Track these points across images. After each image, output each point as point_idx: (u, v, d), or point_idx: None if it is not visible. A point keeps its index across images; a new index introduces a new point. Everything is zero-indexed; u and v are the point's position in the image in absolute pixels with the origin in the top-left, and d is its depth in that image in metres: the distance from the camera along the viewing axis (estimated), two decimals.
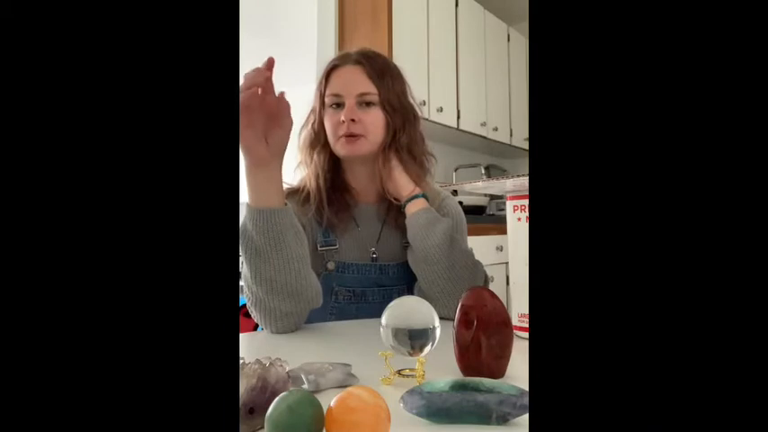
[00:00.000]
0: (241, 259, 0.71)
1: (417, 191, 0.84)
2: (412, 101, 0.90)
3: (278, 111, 0.66)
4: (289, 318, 0.71)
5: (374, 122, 0.83)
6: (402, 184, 0.84)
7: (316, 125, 0.88)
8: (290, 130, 0.69)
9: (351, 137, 0.82)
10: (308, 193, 0.87)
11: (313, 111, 0.89)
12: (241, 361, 0.38)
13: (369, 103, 0.84)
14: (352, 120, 0.81)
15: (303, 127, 0.91)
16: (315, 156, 0.87)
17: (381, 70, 0.85)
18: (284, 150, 0.69)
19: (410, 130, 0.87)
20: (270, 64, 0.64)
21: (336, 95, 0.84)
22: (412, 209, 0.82)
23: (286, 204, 0.71)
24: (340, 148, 0.84)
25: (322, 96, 0.86)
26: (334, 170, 0.89)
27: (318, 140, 0.88)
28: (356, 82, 0.84)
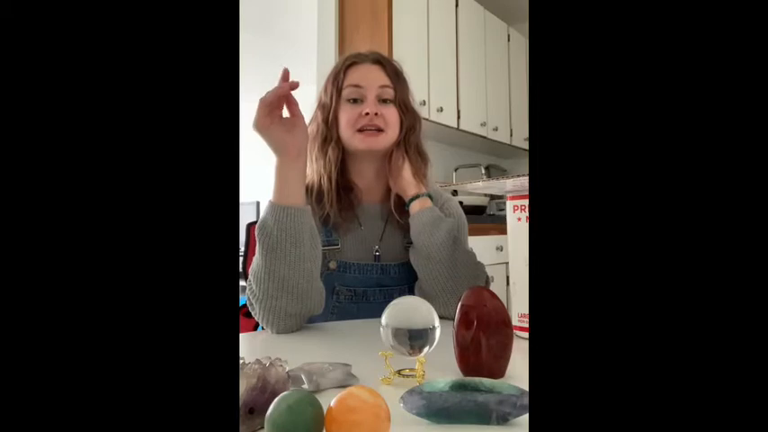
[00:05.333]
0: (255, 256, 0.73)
1: (423, 190, 0.85)
2: (415, 106, 0.92)
3: (292, 111, 0.72)
4: (292, 319, 0.72)
5: (393, 119, 0.85)
6: (409, 181, 0.85)
7: (329, 120, 0.86)
8: (306, 127, 0.74)
9: (371, 131, 0.83)
10: (316, 192, 0.87)
11: (322, 107, 0.88)
12: (241, 361, 0.38)
13: (386, 101, 0.85)
14: (375, 113, 0.83)
15: (309, 123, 0.90)
16: (329, 151, 0.86)
17: (396, 72, 0.88)
18: (306, 147, 0.74)
19: (418, 131, 0.90)
20: (286, 75, 0.70)
21: (357, 86, 0.85)
22: (417, 207, 0.83)
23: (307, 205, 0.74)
24: (358, 142, 0.84)
25: (339, 90, 0.86)
26: (339, 169, 0.88)
27: (331, 136, 0.86)
28: (377, 77, 0.86)
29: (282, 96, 0.69)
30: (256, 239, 0.72)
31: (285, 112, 0.72)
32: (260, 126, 0.69)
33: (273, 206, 0.71)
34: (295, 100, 0.72)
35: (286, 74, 0.70)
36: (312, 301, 0.73)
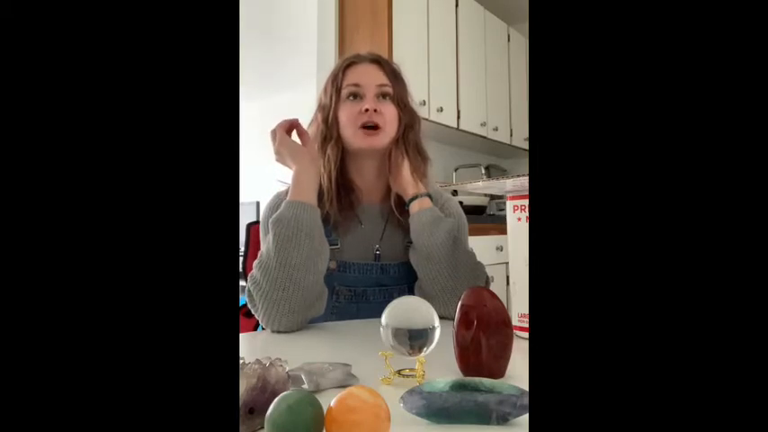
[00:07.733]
0: (263, 249, 0.78)
1: (423, 189, 0.85)
2: (413, 105, 0.92)
3: (303, 141, 0.84)
4: (294, 315, 0.72)
5: (391, 116, 0.86)
6: (409, 181, 0.85)
7: (329, 119, 0.87)
8: (314, 145, 0.87)
9: (370, 128, 0.84)
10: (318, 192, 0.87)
11: (322, 107, 0.89)
12: (241, 361, 0.38)
13: (385, 97, 0.86)
14: (375, 110, 0.83)
15: (310, 125, 0.91)
16: (328, 150, 0.87)
17: (394, 72, 0.89)
18: (317, 157, 0.84)
19: (417, 130, 0.90)
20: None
21: (356, 86, 0.86)
22: (416, 207, 0.83)
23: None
24: (359, 141, 0.84)
25: (338, 90, 0.87)
26: (339, 168, 0.89)
27: (331, 135, 0.87)
28: (375, 76, 0.87)
29: (292, 125, 0.84)
30: (270, 232, 0.74)
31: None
32: (280, 133, 0.82)
33: (290, 202, 0.76)
34: (305, 131, 0.85)
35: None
36: (314, 297, 0.74)
